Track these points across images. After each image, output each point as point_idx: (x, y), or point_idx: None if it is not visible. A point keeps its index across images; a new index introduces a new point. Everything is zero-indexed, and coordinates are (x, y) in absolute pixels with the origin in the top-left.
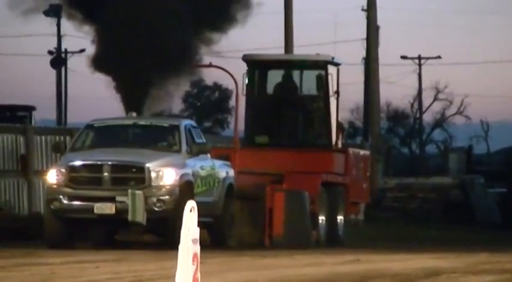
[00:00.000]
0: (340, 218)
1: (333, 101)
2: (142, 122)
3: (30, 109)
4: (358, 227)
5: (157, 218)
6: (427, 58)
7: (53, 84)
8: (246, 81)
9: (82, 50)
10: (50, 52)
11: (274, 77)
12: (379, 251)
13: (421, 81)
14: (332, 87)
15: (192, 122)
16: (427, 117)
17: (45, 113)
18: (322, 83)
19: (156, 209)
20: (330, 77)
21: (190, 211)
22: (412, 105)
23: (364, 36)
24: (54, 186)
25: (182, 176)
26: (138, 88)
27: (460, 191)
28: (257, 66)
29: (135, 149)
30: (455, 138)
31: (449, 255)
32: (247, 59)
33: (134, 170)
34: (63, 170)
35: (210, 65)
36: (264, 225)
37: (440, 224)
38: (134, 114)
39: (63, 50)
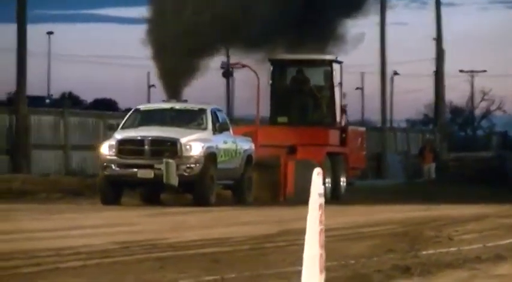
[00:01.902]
0: (342, 179)
1: (337, 90)
2: (177, 107)
3: None
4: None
5: (187, 181)
6: (477, 71)
7: None
8: (271, 75)
9: None
10: None
11: (291, 72)
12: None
13: (473, 86)
14: (336, 79)
15: (218, 107)
16: (477, 112)
17: None
18: (328, 76)
19: (186, 174)
20: (334, 72)
21: (318, 175)
22: (467, 103)
23: (434, 56)
24: (107, 156)
25: (207, 148)
26: (177, 78)
27: (498, 161)
28: (278, 64)
29: (171, 127)
30: (496, 126)
31: (493, 205)
32: (271, 59)
33: (169, 143)
34: (114, 144)
35: (241, 64)
36: (279, 186)
37: (484, 184)
38: (173, 100)
39: None
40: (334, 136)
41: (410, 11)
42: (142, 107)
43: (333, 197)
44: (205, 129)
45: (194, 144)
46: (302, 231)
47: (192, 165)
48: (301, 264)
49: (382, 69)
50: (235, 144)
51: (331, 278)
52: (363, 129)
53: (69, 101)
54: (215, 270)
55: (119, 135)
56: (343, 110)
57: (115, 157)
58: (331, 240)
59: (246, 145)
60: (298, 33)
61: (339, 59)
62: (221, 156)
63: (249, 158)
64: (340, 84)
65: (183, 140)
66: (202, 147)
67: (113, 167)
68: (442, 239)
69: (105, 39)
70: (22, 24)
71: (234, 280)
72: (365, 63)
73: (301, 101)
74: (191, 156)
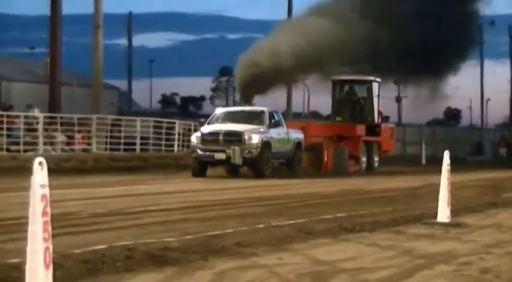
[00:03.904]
0: (376, 159)
1: (375, 101)
2: (245, 109)
3: None
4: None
5: (249, 161)
6: None
7: None
8: (332, 89)
9: None
10: None
11: (345, 87)
12: None
13: None
14: (375, 93)
15: (275, 110)
16: None
17: None
18: (370, 90)
19: (247, 156)
20: (373, 88)
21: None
22: None
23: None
24: (195, 143)
25: (263, 138)
26: (251, 89)
27: None
28: (338, 82)
29: (239, 124)
30: None
31: None
32: (332, 79)
33: (236, 135)
34: (199, 135)
35: (300, 81)
36: (322, 164)
37: None
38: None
39: None
40: (368, 130)
41: None
42: (222, 109)
43: (367, 169)
44: (263, 125)
45: (254, 135)
46: (436, 185)
47: (253, 150)
48: (436, 202)
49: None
50: (287, 135)
51: (453, 209)
52: (392, 125)
53: None
54: (391, 205)
55: (203, 129)
56: (380, 113)
57: (200, 145)
58: (452, 188)
59: (296, 135)
60: (409, 66)
61: (377, 79)
62: (275, 143)
63: (298, 144)
64: (378, 96)
65: (246, 133)
66: (260, 137)
67: (199, 151)
68: None
69: None
70: None
71: (404, 209)
72: None
73: (351, 107)
74: (252, 144)
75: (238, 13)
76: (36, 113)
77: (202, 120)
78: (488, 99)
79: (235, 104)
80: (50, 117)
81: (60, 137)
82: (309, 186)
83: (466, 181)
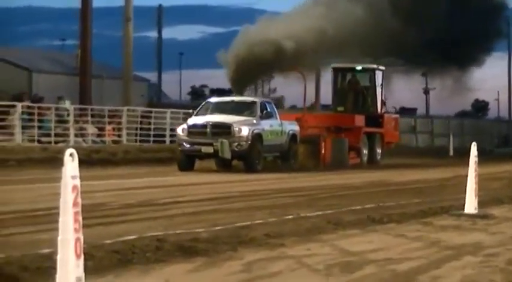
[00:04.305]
0: (378, 151)
1: (378, 90)
2: (236, 99)
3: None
4: None
5: (239, 154)
6: None
7: None
8: (333, 78)
9: None
10: None
11: (348, 76)
12: None
13: None
14: (378, 81)
15: (267, 100)
16: None
17: None
18: (372, 79)
19: (237, 149)
20: (376, 76)
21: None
22: None
23: None
24: (181, 136)
25: (253, 131)
26: (243, 80)
27: None
28: (339, 70)
29: (229, 115)
30: None
31: None
32: (333, 67)
33: (225, 127)
34: (186, 127)
35: (295, 68)
36: (320, 156)
37: None
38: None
39: None
40: (371, 121)
41: None
42: (211, 99)
43: (369, 161)
44: (254, 116)
45: (243, 127)
46: (463, 177)
47: (242, 143)
48: (464, 194)
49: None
50: (281, 126)
51: (480, 200)
52: (396, 116)
53: None
54: (419, 197)
55: (190, 121)
56: (383, 103)
57: (186, 137)
58: (481, 179)
59: (291, 127)
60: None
61: (381, 67)
62: (267, 135)
63: (293, 137)
64: (382, 85)
65: (235, 125)
66: (250, 129)
67: (185, 144)
68: None
69: None
70: None
71: (432, 201)
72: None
73: (353, 96)
74: (241, 137)
75: (268, 6)
76: (67, 104)
77: (188, 111)
78: None
79: (264, 96)
80: (81, 109)
81: (91, 129)
82: (338, 178)
83: (493, 173)
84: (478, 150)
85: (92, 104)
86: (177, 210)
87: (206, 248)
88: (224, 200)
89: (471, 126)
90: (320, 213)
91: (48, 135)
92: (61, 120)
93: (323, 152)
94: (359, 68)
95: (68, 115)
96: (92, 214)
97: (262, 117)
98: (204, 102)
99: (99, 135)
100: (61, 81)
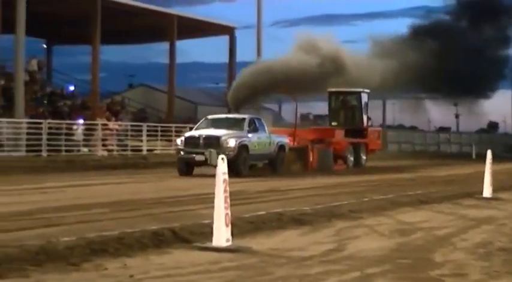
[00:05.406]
0: (363, 157)
1: (364, 108)
2: (229, 116)
3: None
4: None
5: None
6: None
7: None
8: (329, 99)
9: None
10: None
11: (340, 97)
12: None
13: None
14: (364, 101)
15: (256, 116)
16: None
17: None
18: (359, 99)
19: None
20: (362, 97)
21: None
22: None
23: None
24: (179, 146)
25: (240, 142)
26: (240, 101)
27: None
28: (334, 93)
29: (220, 129)
30: None
31: None
32: (329, 91)
33: (214, 139)
34: (183, 139)
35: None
36: (307, 163)
37: None
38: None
39: None
40: (357, 133)
41: None
42: (209, 116)
43: (355, 166)
44: (242, 130)
45: (231, 139)
46: (482, 172)
47: (230, 152)
48: (482, 184)
49: None
50: (269, 139)
51: (493, 188)
52: (379, 128)
53: None
54: (451, 186)
55: (187, 134)
56: (369, 118)
57: (183, 147)
58: (493, 174)
59: (279, 139)
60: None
61: (366, 90)
62: (254, 146)
63: (281, 147)
64: (367, 104)
65: (223, 137)
66: (236, 141)
67: (182, 153)
68: None
69: None
70: None
71: (460, 188)
72: None
73: (344, 113)
74: (229, 147)
75: None
76: None
77: (192, 125)
78: None
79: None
80: None
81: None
82: (395, 173)
83: (502, 169)
84: (491, 155)
85: None
86: (292, 195)
87: (310, 219)
88: (321, 189)
89: (487, 139)
90: (384, 197)
91: None
92: None
93: (311, 159)
94: (348, 91)
95: None
96: (236, 197)
97: (249, 131)
98: (203, 119)
99: None
100: (215, 111)
